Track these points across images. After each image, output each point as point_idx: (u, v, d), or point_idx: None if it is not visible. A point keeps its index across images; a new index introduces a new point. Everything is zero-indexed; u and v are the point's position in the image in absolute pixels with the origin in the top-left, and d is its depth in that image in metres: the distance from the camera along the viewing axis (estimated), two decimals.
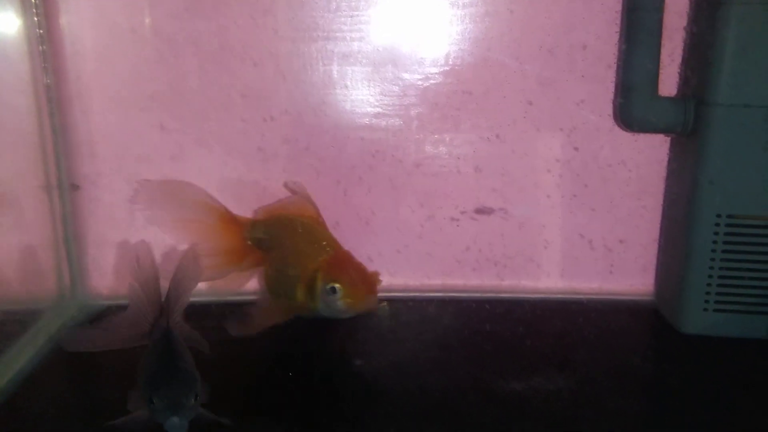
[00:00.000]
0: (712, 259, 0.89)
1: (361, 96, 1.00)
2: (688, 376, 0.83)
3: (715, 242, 0.89)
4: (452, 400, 0.78)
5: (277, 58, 0.99)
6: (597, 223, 1.04)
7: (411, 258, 1.07)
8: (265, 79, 0.99)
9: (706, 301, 0.91)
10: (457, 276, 1.08)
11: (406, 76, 0.99)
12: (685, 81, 0.94)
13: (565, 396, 0.78)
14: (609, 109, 0.99)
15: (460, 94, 1.00)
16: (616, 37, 0.96)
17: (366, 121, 1.01)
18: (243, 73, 0.99)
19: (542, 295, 1.06)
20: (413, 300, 1.05)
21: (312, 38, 0.98)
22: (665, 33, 0.91)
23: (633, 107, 0.92)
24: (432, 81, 0.99)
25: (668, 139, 0.99)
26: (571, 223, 1.05)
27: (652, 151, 1.00)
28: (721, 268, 0.90)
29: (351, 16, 0.97)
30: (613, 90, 0.97)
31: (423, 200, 1.04)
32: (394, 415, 0.75)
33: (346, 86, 1.00)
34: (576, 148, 1.01)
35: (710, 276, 0.90)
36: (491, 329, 0.95)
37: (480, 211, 1.04)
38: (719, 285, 0.90)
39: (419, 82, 0.99)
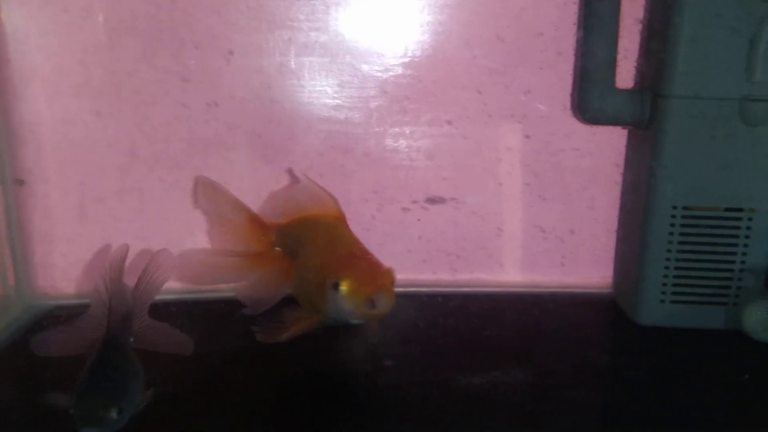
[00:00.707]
0: (669, 251, 0.89)
1: (310, 83, 0.97)
2: (644, 367, 0.83)
3: (671, 234, 0.88)
4: (411, 396, 0.76)
5: (222, 42, 0.95)
6: (549, 213, 1.03)
7: None
8: (208, 63, 0.95)
9: (663, 293, 0.90)
10: (409, 266, 1.04)
11: (355, 63, 0.96)
12: (641, 73, 0.94)
13: (524, 389, 0.78)
14: (561, 97, 0.98)
15: (412, 82, 0.97)
16: (570, 25, 0.95)
17: (315, 109, 0.98)
18: (184, 56, 0.95)
19: (497, 288, 1.04)
20: None
21: (262, 23, 0.94)
22: (622, 25, 0.90)
23: (590, 100, 0.91)
24: (382, 69, 0.96)
25: (618, 131, 0.98)
26: (524, 212, 1.03)
27: (604, 140, 0.99)
28: (677, 260, 0.89)
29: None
30: (564, 77, 0.96)
31: (374, 189, 1.02)
32: (350, 413, 0.73)
33: (293, 71, 0.96)
34: (527, 136, 1.00)
35: (666, 267, 0.89)
36: (447, 322, 0.94)
37: (431, 200, 1.02)
38: (675, 276, 0.90)
39: (371, 71, 0.96)
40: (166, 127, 0.97)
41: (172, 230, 1.01)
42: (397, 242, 1.04)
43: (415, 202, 1.02)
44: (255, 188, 1.00)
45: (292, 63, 0.96)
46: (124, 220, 1.00)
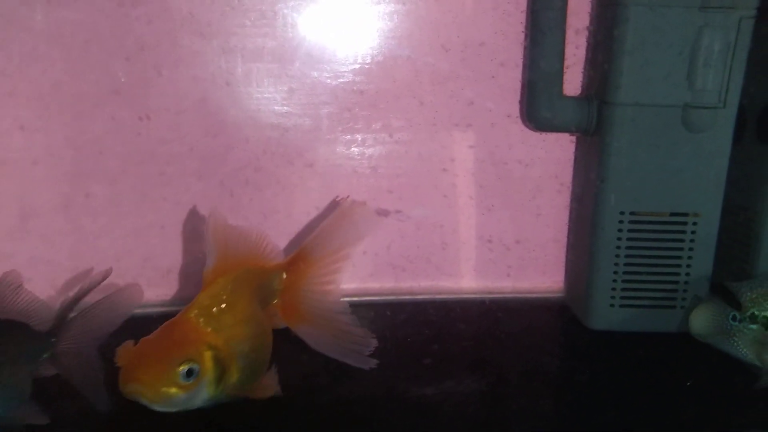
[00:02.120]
0: (617, 256, 0.89)
1: (247, 93, 0.93)
2: (596, 372, 0.83)
3: (619, 239, 0.89)
4: (362, 410, 0.74)
5: (153, 53, 0.91)
6: (494, 223, 1.02)
7: None
8: (139, 75, 0.91)
9: (612, 297, 0.91)
10: (355, 281, 1.02)
11: (296, 73, 0.93)
12: (588, 81, 0.94)
13: (477, 399, 0.77)
14: (504, 107, 0.97)
15: (354, 93, 0.95)
16: (513, 35, 0.94)
17: (253, 121, 0.94)
18: (114, 68, 0.90)
19: (448, 296, 1.03)
20: None
21: (195, 33, 0.90)
22: (569, 32, 0.90)
23: (538, 107, 0.91)
24: (325, 79, 0.94)
25: (564, 136, 0.98)
26: (469, 223, 1.02)
27: (549, 150, 0.99)
28: (625, 265, 0.90)
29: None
30: (507, 87, 0.96)
31: (317, 203, 0.99)
32: (303, 427, 0.72)
33: (228, 83, 0.93)
34: (471, 147, 0.99)
35: (615, 273, 0.90)
36: (397, 334, 0.91)
37: (376, 213, 0.99)
38: (624, 281, 0.90)
39: (309, 79, 0.93)
40: (97, 141, 0.92)
41: (105, 249, 0.96)
42: None
43: None
44: (191, 204, 0.96)
45: (228, 73, 0.92)
46: (54, 239, 0.95)
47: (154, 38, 0.90)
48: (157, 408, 0.65)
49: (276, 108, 0.95)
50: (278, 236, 0.97)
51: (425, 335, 0.92)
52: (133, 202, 0.96)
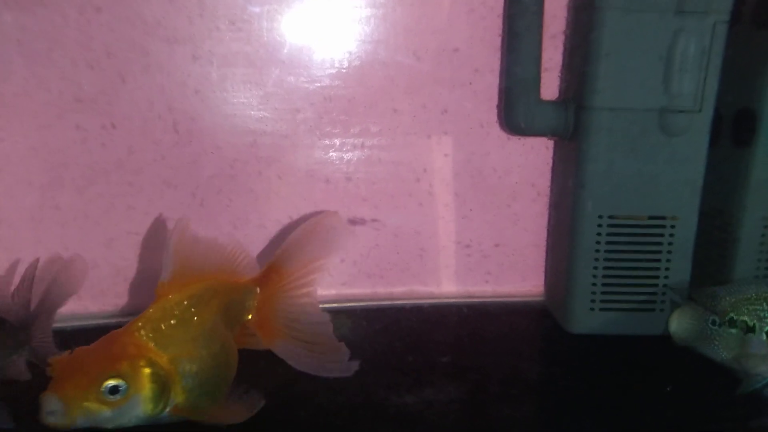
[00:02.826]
0: (596, 260, 0.89)
1: (221, 99, 0.91)
2: (576, 378, 0.83)
3: (598, 243, 0.89)
4: (341, 420, 0.73)
5: (118, 60, 0.88)
6: (472, 229, 1.02)
7: None
8: (103, 83, 0.88)
9: (592, 301, 0.91)
10: (333, 288, 1.01)
11: (269, 77, 0.91)
12: (565, 84, 0.94)
13: (458, 407, 0.76)
14: (479, 114, 0.96)
15: (330, 98, 0.93)
16: (487, 41, 0.93)
17: (226, 126, 0.92)
18: (77, 76, 0.87)
19: (428, 300, 1.02)
20: None
21: (162, 39, 0.88)
22: (546, 36, 0.90)
23: (516, 112, 0.90)
24: (301, 84, 0.92)
25: (541, 142, 0.98)
26: (446, 231, 1.01)
27: (525, 156, 0.99)
28: (605, 268, 0.89)
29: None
30: (482, 94, 0.95)
31: (290, 211, 0.97)
32: None
33: (198, 91, 0.90)
34: (446, 155, 0.98)
35: (595, 276, 0.90)
36: (376, 341, 0.90)
37: (352, 221, 0.98)
38: (604, 285, 0.90)
39: (285, 84, 0.91)
40: (62, 151, 0.89)
41: None
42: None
43: None
44: (160, 214, 0.93)
45: (199, 80, 0.90)
46: (21, 251, 0.91)
47: (118, 45, 0.87)
48: (80, 424, 0.61)
49: (251, 114, 0.93)
50: (251, 246, 0.96)
51: (404, 342, 0.91)
52: (101, 213, 0.93)
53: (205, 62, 0.89)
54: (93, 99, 0.89)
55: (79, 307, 0.95)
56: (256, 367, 0.78)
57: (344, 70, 0.92)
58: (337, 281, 1.01)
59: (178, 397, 0.66)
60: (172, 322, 0.67)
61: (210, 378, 0.69)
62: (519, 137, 0.97)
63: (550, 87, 0.94)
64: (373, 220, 0.99)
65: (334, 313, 0.94)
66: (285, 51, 0.91)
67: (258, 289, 0.78)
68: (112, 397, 0.61)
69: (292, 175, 0.95)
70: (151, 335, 0.66)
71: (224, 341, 0.72)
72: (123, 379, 0.62)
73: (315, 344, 0.77)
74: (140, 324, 0.66)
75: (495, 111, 0.96)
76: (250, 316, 0.78)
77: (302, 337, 0.77)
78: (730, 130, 0.88)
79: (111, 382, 0.61)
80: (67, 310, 0.82)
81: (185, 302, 0.69)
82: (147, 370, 0.63)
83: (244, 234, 0.96)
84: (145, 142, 0.91)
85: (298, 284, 0.78)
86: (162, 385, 0.64)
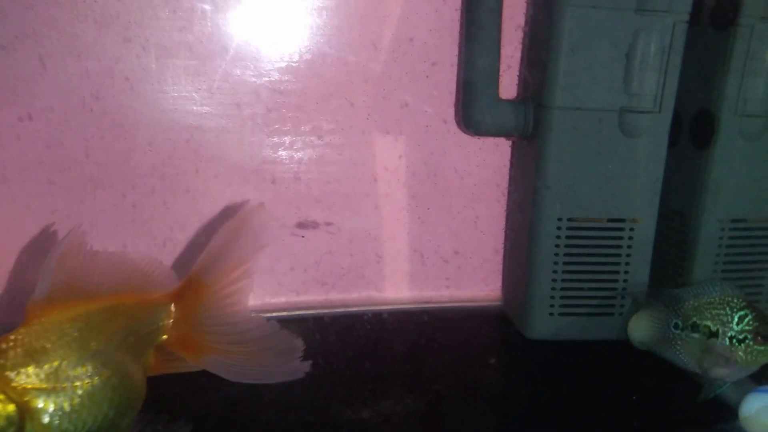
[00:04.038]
0: (555, 263, 0.88)
1: (161, 90, 0.84)
2: (538, 385, 0.81)
3: (557, 246, 0.87)
4: None
5: (37, 43, 0.79)
6: (430, 234, 0.98)
7: None
8: (17, 66, 0.79)
9: (552, 306, 0.89)
10: (281, 298, 0.95)
11: (213, 69, 0.84)
12: (524, 83, 0.92)
13: (417, 420, 0.73)
14: (439, 110, 0.93)
15: (280, 93, 0.88)
16: (448, 33, 0.90)
17: (163, 119, 0.85)
18: None
19: (379, 308, 0.98)
20: None
21: (89, 20, 0.80)
22: (505, 33, 0.87)
23: (474, 111, 0.88)
24: (248, 78, 0.86)
25: (503, 143, 0.96)
26: (404, 235, 0.97)
27: (487, 157, 0.96)
28: (564, 272, 0.88)
29: None
30: (442, 89, 0.92)
31: (233, 215, 0.88)
32: None
33: (128, 78, 0.82)
34: (405, 155, 0.94)
35: (554, 280, 0.88)
36: (329, 351, 0.86)
37: (303, 225, 0.93)
38: (563, 289, 0.89)
39: (231, 78, 0.85)
40: None
41: None
42: (265, 275, 0.93)
43: (283, 227, 0.92)
44: (85, 217, 0.85)
45: (132, 67, 0.82)
46: None
47: (37, 25, 0.79)
48: None
49: (193, 108, 0.86)
50: (190, 252, 0.89)
51: (359, 352, 0.87)
52: (16, 216, 0.84)
53: (137, 47, 0.82)
54: (6, 85, 0.80)
55: None
56: (195, 388, 0.73)
57: (295, 63, 0.87)
58: (287, 289, 0.95)
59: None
60: (43, 346, 0.57)
61: (97, 413, 0.59)
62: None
63: (507, 86, 0.92)
64: (327, 224, 0.94)
65: (284, 322, 0.89)
66: (231, 42, 0.85)
67: (172, 306, 0.68)
68: None
69: (237, 174, 0.89)
70: (6, 362, 0.55)
71: (120, 369, 0.62)
72: None
73: (254, 349, 0.70)
74: None
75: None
76: (165, 337, 0.68)
77: (234, 348, 0.69)
78: (689, 132, 0.88)
79: None
80: None
81: (65, 325, 0.58)
82: None
83: (183, 238, 0.89)
84: (68, 136, 0.83)
85: (223, 294, 0.70)
86: (8, 423, 0.54)
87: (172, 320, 0.68)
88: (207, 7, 0.83)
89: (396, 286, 0.99)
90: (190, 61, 0.84)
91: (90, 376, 0.58)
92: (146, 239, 0.87)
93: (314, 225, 0.93)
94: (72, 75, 0.81)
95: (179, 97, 0.85)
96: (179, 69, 0.84)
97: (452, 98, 0.92)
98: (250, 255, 0.70)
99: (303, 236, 0.93)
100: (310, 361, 0.68)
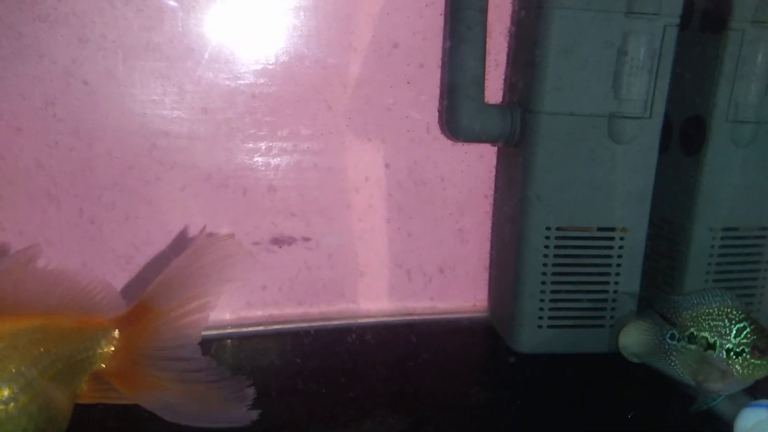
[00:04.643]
0: (544, 274, 0.85)
1: (129, 95, 0.78)
2: (528, 401, 0.78)
3: (545, 256, 0.84)
4: None
5: None
6: (415, 249, 0.94)
7: None
8: None
9: (540, 318, 0.86)
10: (252, 317, 0.89)
11: (184, 72, 0.79)
12: (510, 88, 0.89)
13: None
14: (425, 117, 0.89)
15: (254, 97, 0.82)
16: (434, 36, 0.87)
17: (123, 127, 0.79)
18: None
19: (362, 320, 0.94)
20: None
21: (39, 17, 0.73)
22: (490, 37, 0.84)
23: (459, 116, 0.84)
24: (222, 81, 0.80)
25: (491, 151, 0.92)
26: (388, 251, 0.93)
27: (474, 166, 0.93)
28: (553, 283, 0.85)
29: None
30: (428, 93, 0.88)
31: (201, 232, 0.83)
32: None
33: (87, 82, 0.76)
34: (388, 165, 0.89)
35: (543, 292, 0.85)
36: (308, 368, 0.82)
37: (278, 241, 0.88)
38: (552, 300, 0.86)
39: (199, 86, 0.80)
40: None
41: None
42: (234, 295, 0.88)
43: (257, 243, 0.87)
44: (38, 235, 0.78)
45: (88, 70, 0.76)
46: None
47: None
48: None
49: (163, 113, 0.80)
50: (154, 272, 0.80)
51: (341, 369, 0.83)
52: None
53: (94, 48, 0.75)
54: None
55: None
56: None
57: (271, 66, 0.82)
58: (259, 312, 0.90)
59: None
60: None
61: None
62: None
63: (491, 90, 0.88)
64: (304, 239, 0.89)
65: (260, 337, 0.87)
66: (203, 44, 0.79)
67: (116, 332, 0.62)
68: None
69: (206, 184, 0.84)
70: None
71: (42, 395, 0.56)
72: None
73: (198, 391, 0.63)
74: None
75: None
76: (103, 365, 0.62)
77: (178, 386, 0.63)
78: (680, 138, 0.86)
79: None
80: None
81: None
82: None
83: (145, 257, 0.83)
84: (15, 146, 0.77)
85: (174, 326, 0.63)
86: None
87: (113, 348, 0.61)
88: (177, 6, 0.77)
89: (378, 300, 0.95)
90: (158, 62, 0.78)
91: (4, 402, 0.53)
92: (107, 258, 0.81)
93: (290, 241, 0.88)
94: (22, 78, 0.75)
95: (144, 102, 0.79)
96: (145, 71, 0.78)
97: (437, 103, 0.89)
98: (211, 288, 0.63)
99: (275, 253, 0.87)
100: (259, 411, 0.61)
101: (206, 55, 0.80)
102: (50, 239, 0.79)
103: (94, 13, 0.75)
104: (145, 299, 0.62)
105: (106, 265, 0.81)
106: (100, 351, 0.61)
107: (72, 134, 0.77)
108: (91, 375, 0.61)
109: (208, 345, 0.81)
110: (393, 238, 0.92)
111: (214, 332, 0.88)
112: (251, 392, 0.62)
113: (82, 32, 0.75)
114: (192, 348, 0.63)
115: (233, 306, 0.88)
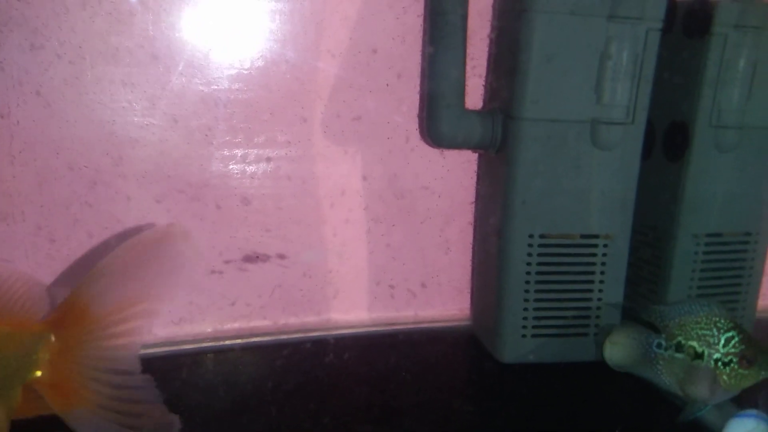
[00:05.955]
0: (527, 282, 0.83)
1: (97, 102, 0.73)
2: (514, 413, 0.77)
3: (529, 264, 0.83)
4: None
5: None
6: (396, 264, 0.92)
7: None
8: None
9: (524, 327, 0.85)
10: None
11: (148, 82, 0.75)
12: (491, 94, 0.88)
13: None
14: (404, 126, 0.87)
15: (228, 103, 0.79)
16: (413, 43, 0.84)
17: (83, 138, 0.74)
18: None
19: (343, 331, 0.91)
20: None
21: None
22: (470, 42, 0.82)
23: (439, 122, 0.82)
24: (195, 86, 0.77)
25: (471, 161, 0.91)
26: (367, 266, 0.90)
27: (456, 176, 0.91)
28: (536, 291, 0.84)
29: None
30: (407, 102, 0.86)
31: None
32: None
33: (40, 93, 0.72)
34: (366, 177, 0.87)
35: (526, 300, 0.84)
36: (283, 382, 0.79)
37: (250, 258, 0.84)
38: (536, 309, 0.84)
39: (170, 92, 0.76)
40: None
41: None
42: (203, 314, 0.84)
43: (228, 262, 0.83)
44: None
45: (42, 78, 0.71)
46: None
47: None
48: None
49: (134, 119, 0.77)
50: None
51: (320, 382, 0.81)
52: None
53: (50, 55, 0.70)
54: None
55: None
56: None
57: (246, 71, 0.79)
58: (229, 333, 0.86)
59: None
60: None
61: None
62: (451, 150, 0.88)
63: (472, 96, 0.87)
64: (278, 256, 0.85)
65: (239, 350, 0.84)
66: (175, 48, 0.76)
67: (52, 337, 0.56)
68: None
69: (172, 199, 0.80)
70: None
71: None
72: None
73: (129, 413, 0.56)
74: None
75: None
76: (39, 373, 0.56)
77: (110, 404, 0.56)
78: (663, 144, 0.86)
79: None
80: None
81: None
82: None
83: None
84: None
85: (115, 331, 0.57)
86: None
87: (48, 356, 0.55)
88: (148, 9, 0.73)
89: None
90: (123, 68, 0.74)
91: None
92: (68, 280, 0.76)
93: (264, 258, 0.85)
94: None
95: (107, 111, 0.75)
96: (107, 78, 0.74)
97: (417, 109, 0.87)
98: (152, 287, 0.57)
99: (248, 272, 0.84)
100: None
101: (178, 61, 0.76)
102: (5, 261, 0.74)
103: (46, 17, 0.70)
104: (75, 294, 0.56)
105: (68, 284, 0.76)
106: (37, 357, 0.55)
107: (27, 147, 0.73)
108: (26, 386, 0.55)
109: (185, 360, 0.81)
110: (373, 252, 0.90)
111: (191, 347, 0.84)
112: (177, 422, 0.57)
113: (33, 38, 0.70)
114: (131, 360, 0.57)
115: (201, 328, 0.85)
